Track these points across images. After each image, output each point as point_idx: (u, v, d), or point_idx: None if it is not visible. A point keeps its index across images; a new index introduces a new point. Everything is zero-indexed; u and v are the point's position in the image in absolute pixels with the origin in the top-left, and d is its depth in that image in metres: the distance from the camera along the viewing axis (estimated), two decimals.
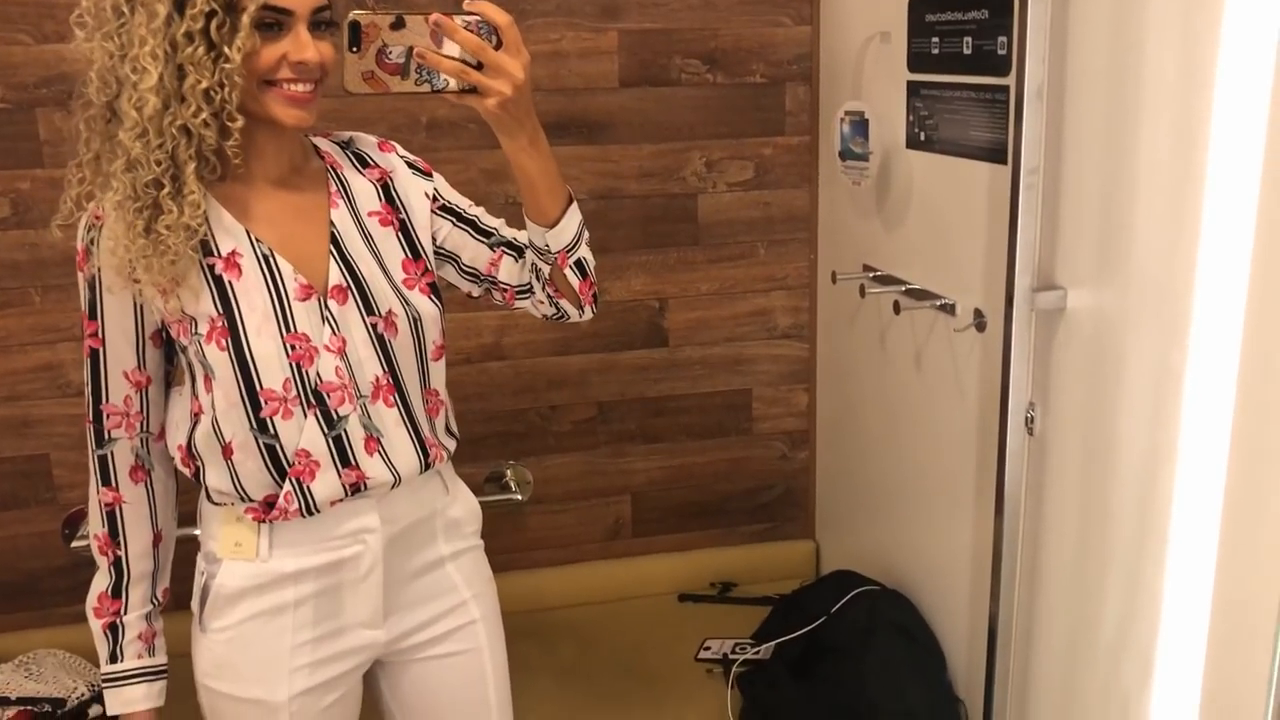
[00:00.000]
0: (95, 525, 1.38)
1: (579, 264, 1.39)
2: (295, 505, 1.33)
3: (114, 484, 1.37)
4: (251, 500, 1.35)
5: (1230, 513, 1.30)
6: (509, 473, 2.43)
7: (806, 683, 1.93)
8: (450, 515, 1.48)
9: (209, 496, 1.38)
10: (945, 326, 1.90)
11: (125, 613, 1.38)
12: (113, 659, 1.38)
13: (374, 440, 1.35)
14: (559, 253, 1.36)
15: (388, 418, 1.36)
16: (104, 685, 1.38)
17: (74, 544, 2.17)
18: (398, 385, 1.37)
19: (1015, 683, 1.76)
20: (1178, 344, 1.35)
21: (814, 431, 2.53)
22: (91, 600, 1.38)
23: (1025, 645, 1.75)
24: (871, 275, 2.10)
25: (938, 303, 1.88)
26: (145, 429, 1.37)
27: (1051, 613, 1.68)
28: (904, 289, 1.97)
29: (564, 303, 1.43)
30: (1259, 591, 1.27)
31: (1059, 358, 1.59)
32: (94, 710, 2.00)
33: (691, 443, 2.50)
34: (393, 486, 1.38)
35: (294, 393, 1.30)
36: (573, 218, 1.35)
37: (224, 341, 1.28)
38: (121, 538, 1.38)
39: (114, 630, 1.38)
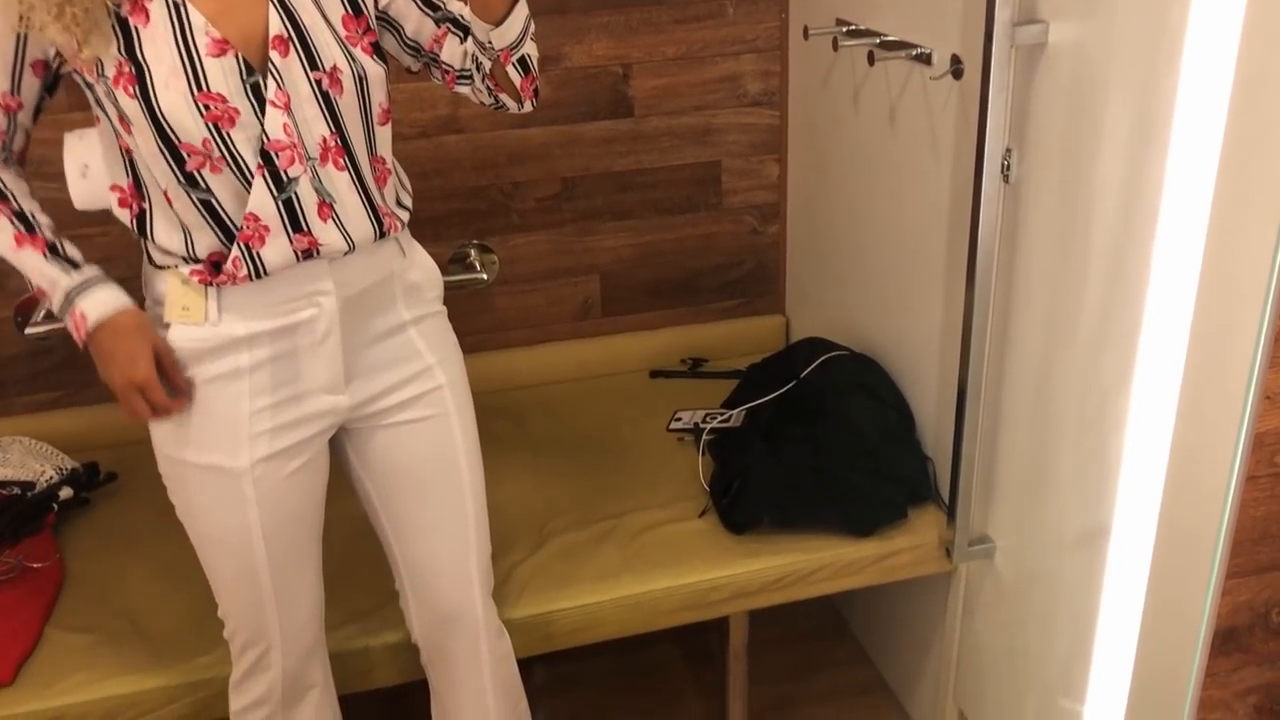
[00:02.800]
0: None
1: (522, 60, 1.35)
2: (244, 271, 1.29)
3: None
4: (197, 260, 1.30)
5: (1213, 249, 1.27)
6: (473, 253, 2.37)
7: (776, 442, 1.94)
8: (409, 279, 1.45)
9: (151, 259, 1.34)
10: (921, 78, 1.82)
11: (56, 238, 1.34)
12: (73, 266, 1.32)
13: (327, 205, 1.31)
14: (502, 50, 1.32)
15: (339, 181, 1.31)
16: (76, 296, 1.31)
17: (28, 330, 2.12)
18: (347, 148, 1.31)
19: (984, 440, 1.77)
20: (1164, 79, 1.29)
21: (785, 204, 2.47)
22: (7, 247, 1.32)
23: (994, 401, 1.75)
24: (845, 29, 1.99)
25: (914, 52, 1.79)
26: (7, 149, 1.33)
27: (1023, 371, 1.67)
28: (879, 40, 1.88)
29: (503, 96, 1.41)
30: (1240, 316, 1.24)
31: (1038, 99, 1.52)
32: (64, 492, 1.99)
33: (660, 219, 2.44)
34: (346, 253, 1.34)
35: (217, 153, 1.24)
36: (519, 14, 1.30)
37: (132, 89, 1.22)
38: (7, 192, 1.32)
39: (54, 250, 1.32)
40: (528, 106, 1.43)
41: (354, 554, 1.79)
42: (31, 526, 1.91)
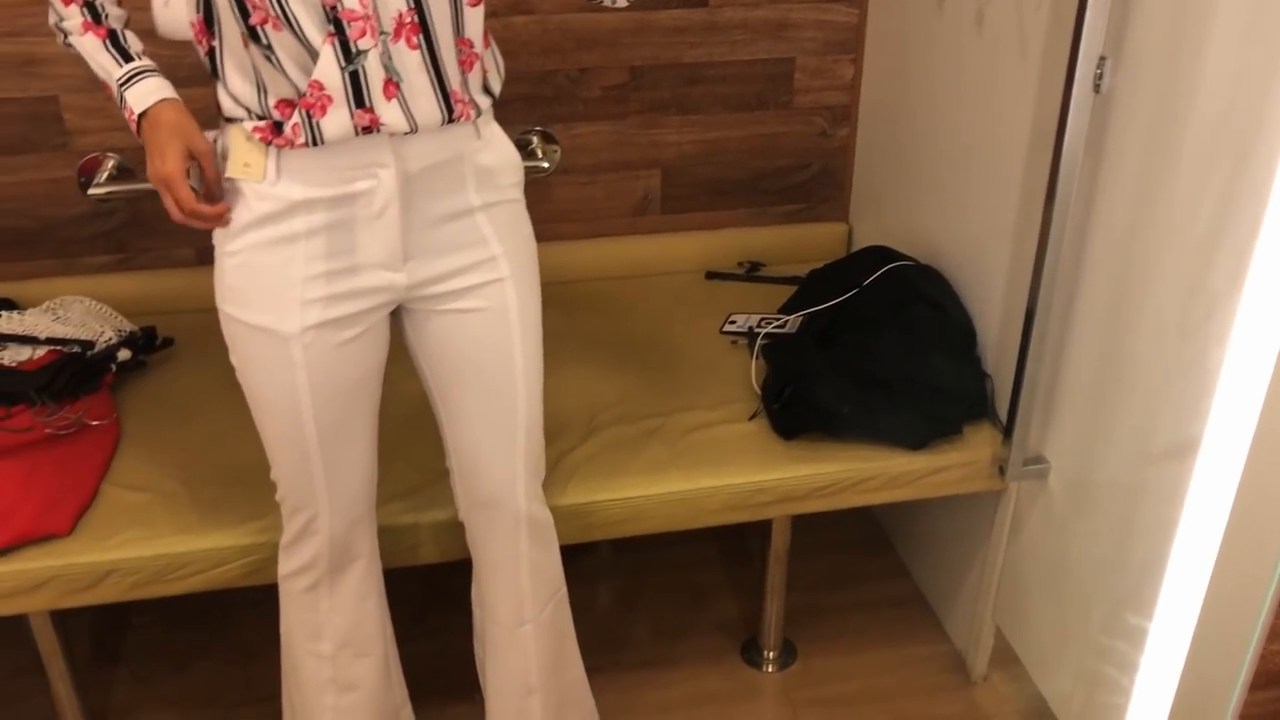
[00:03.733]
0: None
1: None
2: (302, 138, 1.27)
3: None
4: (263, 117, 1.29)
5: None
6: (535, 140, 2.33)
7: (833, 350, 1.91)
8: (481, 162, 1.40)
9: (221, 108, 1.33)
10: None
11: (121, 27, 1.35)
12: (126, 58, 1.33)
13: (393, 84, 1.27)
14: None
15: (409, 61, 1.27)
16: (121, 87, 1.32)
17: (90, 191, 2.13)
18: (424, 26, 1.27)
19: (1049, 360, 1.74)
20: None
21: (856, 107, 2.40)
22: (75, 33, 1.33)
23: (1063, 319, 1.70)
24: None
25: None
26: None
27: (1098, 286, 1.62)
28: None
29: None
30: None
31: (1139, 5, 1.45)
32: (122, 354, 2.01)
33: (727, 115, 2.38)
34: (408, 134, 1.31)
35: (274, 12, 1.21)
36: None
37: None
38: None
39: (114, 38, 1.33)
40: (622, 1, 1.42)
41: (409, 431, 1.80)
42: (90, 385, 1.93)
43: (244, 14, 1.23)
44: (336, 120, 1.26)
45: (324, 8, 1.21)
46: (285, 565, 1.57)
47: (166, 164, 1.29)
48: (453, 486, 1.61)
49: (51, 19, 1.35)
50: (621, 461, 1.84)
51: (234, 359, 1.44)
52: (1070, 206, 1.60)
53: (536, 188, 2.36)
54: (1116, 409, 1.61)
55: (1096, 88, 1.52)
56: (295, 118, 1.26)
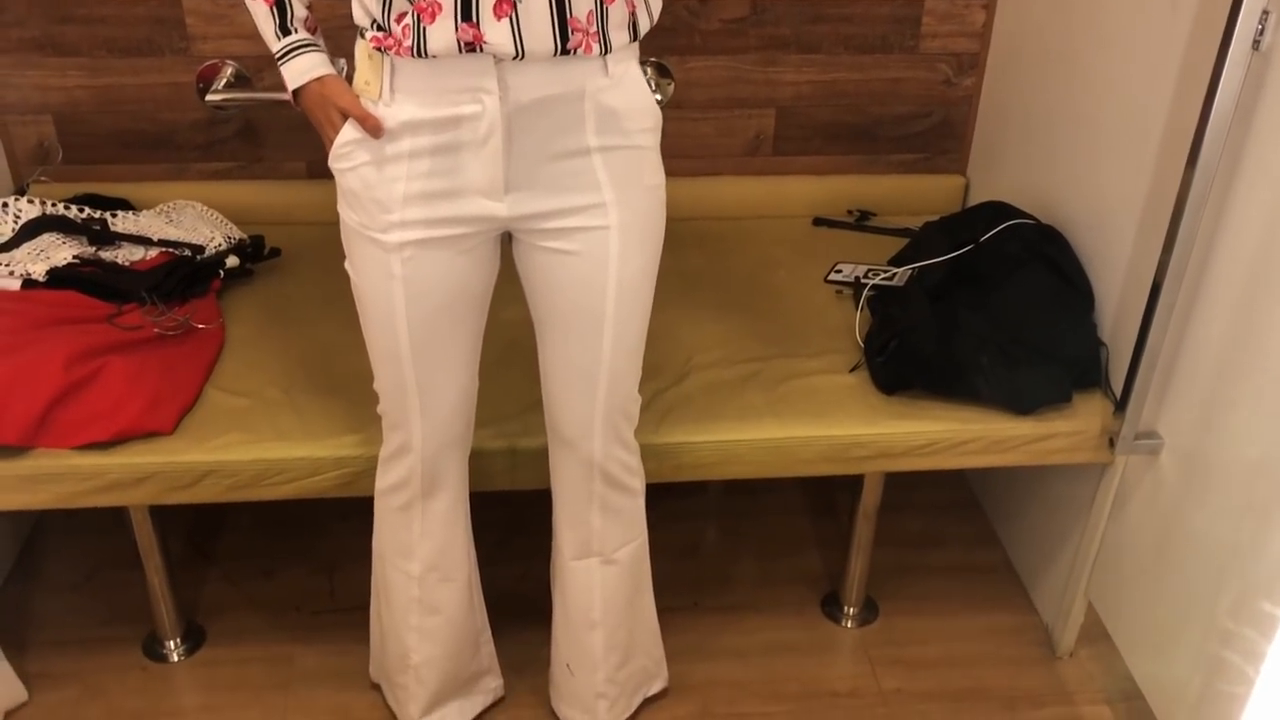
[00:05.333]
0: None
1: None
2: (409, 42, 1.25)
3: None
4: (381, 28, 1.27)
5: None
6: (649, 72, 2.29)
7: (942, 306, 1.85)
8: (605, 102, 1.33)
9: (354, 19, 1.33)
10: None
11: (284, 2, 1.37)
12: (283, 32, 1.37)
13: (508, 3, 1.22)
14: None
15: None
16: (278, 60, 1.38)
17: (208, 98, 2.14)
18: None
19: (1172, 333, 1.66)
20: None
21: (985, 55, 2.30)
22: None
23: (1192, 290, 1.62)
24: None
25: None
26: None
27: (1236, 258, 1.53)
28: None
29: None
30: None
31: None
32: (230, 261, 2.04)
33: (849, 57, 2.31)
34: (515, 59, 1.26)
35: None
36: None
37: None
38: None
39: (280, 7, 1.37)
40: None
41: (507, 357, 1.80)
42: (199, 289, 1.97)
43: None
44: (441, 31, 1.23)
45: None
46: (382, 480, 1.59)
47: (327, 141, 1.38)
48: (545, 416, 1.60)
49: None
50: (716, 405, 1.81)
51: (347, 264, 1.45)
52: (1215, 172, 1.51)
53: None
54: (1246, 387, 1.53)
55: (1256, 44, 1.42)
56: (407, 19, 1.25)
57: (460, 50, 1.25)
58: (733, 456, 1.77)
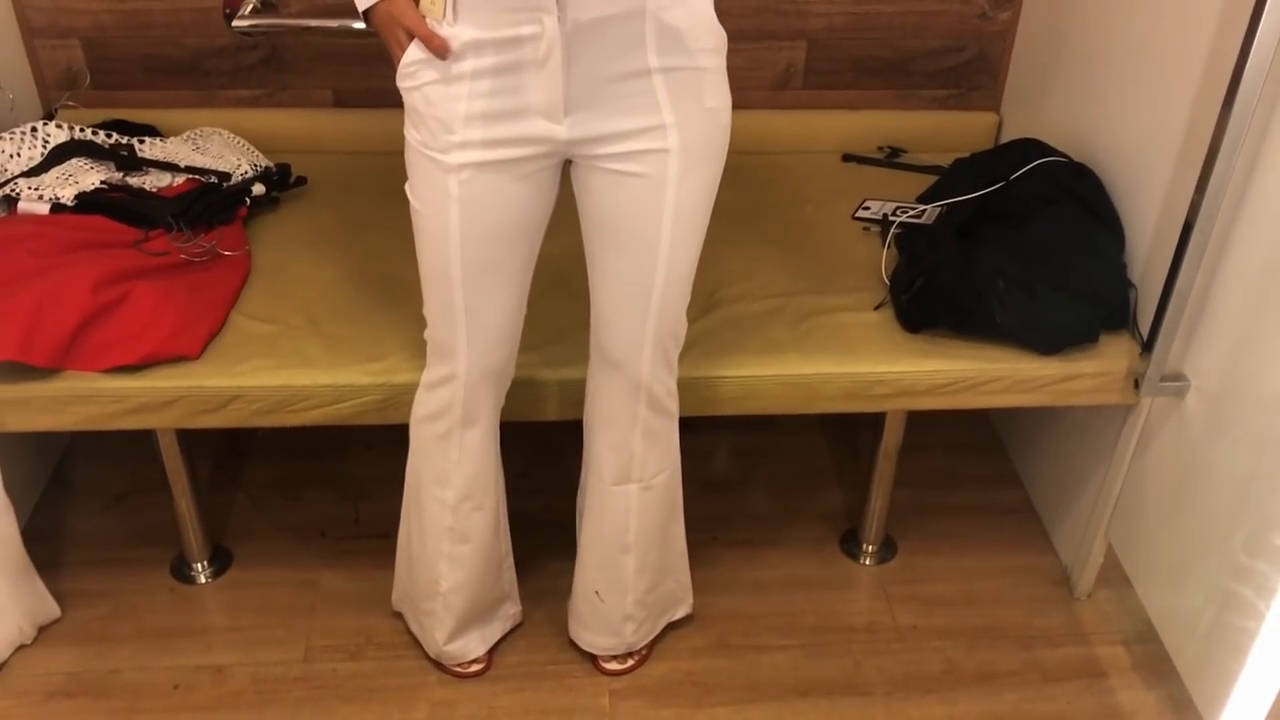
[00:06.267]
0: None
1: None
2: None
3: None
4: None
5: None
6: None
7: (970, 244, 1.83)
8: (667, 20, 1.31)
9: None
10: None
11: None
12: None
13: None
14: None
15: None
16: None
17: (234, 24, 2.13)
18: None
19: (1203, 276, 1.63)
20: None
21: None
22: None
23: (1223, 233, 1.60)
24: None
25: None
26: None
27: (1266, 200, 1.51)
28: None
29: None
30: None
31: None
32: (256, 188, 2.04)
33: None
34: None
35: None
36: None
37: None
38: None
39: None
40: None
41: (542, 288, 1.79)
42: (225, 216, 1.97)
43: None
44: None
45: None
46: (423, 407, 1.60)
47: (394, 61, 1.39)
48: (591, 340, 1.60)
49: None
50: (741, 339, 1.80)
51: (408, 186, 1.46)
52: (1253, 111, 1.48)
53: None
54: (1275, 326, 1.51)
55: None
56: None
57: None
58: (755, 392, 1.77)
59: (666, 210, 1.43)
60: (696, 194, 1.44)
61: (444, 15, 1.32)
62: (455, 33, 1.32)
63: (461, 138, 1.36)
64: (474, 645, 1.82)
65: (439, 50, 1.33)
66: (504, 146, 1.37)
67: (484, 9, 1.30)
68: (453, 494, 1.64)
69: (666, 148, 1.38)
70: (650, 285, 1.48)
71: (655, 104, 1.36)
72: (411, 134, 1.42)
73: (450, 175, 1.39)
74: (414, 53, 1.36)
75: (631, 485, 1.65)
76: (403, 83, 1.39)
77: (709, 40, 1.36)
